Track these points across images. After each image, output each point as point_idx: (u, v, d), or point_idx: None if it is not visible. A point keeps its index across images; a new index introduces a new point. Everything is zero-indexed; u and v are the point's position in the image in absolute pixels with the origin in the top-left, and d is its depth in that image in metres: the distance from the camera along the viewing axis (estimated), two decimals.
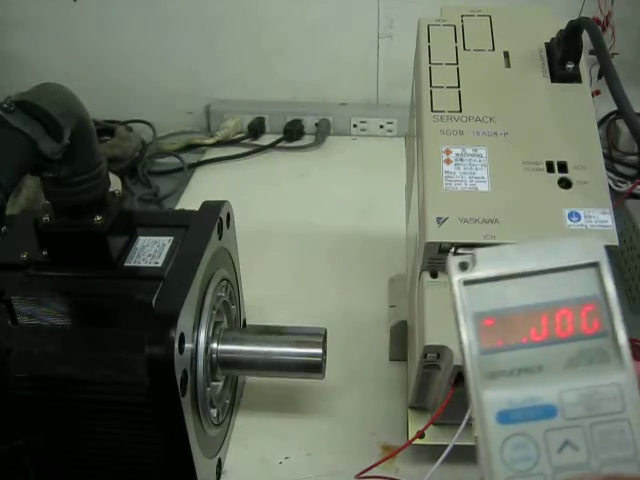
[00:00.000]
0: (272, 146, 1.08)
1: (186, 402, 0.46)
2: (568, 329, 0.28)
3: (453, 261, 0.29)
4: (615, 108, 0.43)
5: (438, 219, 0.44)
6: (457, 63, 0.51)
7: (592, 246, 0.29)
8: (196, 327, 0.49)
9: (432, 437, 0.52)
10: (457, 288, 0.29)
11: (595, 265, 0.29)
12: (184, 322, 0.45)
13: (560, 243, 0.29)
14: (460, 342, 0.28)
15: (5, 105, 0.41)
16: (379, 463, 0.53)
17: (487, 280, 0.29)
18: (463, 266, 0.29)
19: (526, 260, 0.29)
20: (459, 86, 0.50)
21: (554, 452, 0.27)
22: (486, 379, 0.28)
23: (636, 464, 0.27)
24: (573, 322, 0.28)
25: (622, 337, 0.28)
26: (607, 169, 0.47)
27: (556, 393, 0.28)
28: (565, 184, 0.45)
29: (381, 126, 1.11)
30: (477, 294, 0.29)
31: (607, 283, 0.29)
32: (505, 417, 0.28)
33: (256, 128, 1.11)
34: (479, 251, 0.29)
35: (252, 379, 0.65)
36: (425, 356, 0.46)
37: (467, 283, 0.29)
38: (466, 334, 0.28)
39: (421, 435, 0.52)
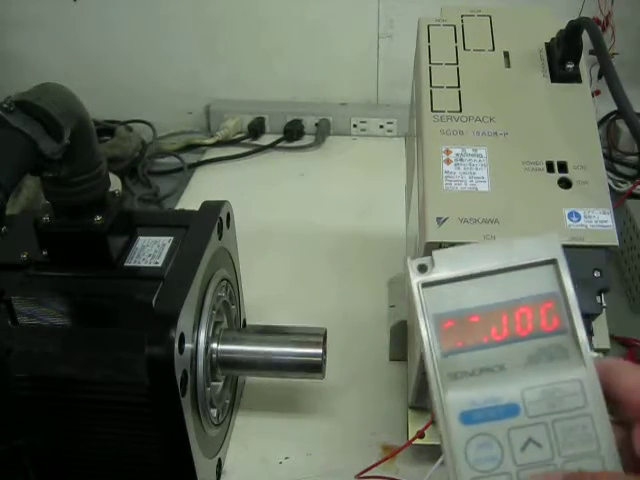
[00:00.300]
0: (272, 146, 1.08)
1: (186, 402, 0.46)
2: (528, 327, 0.28)
3: (412, 264, 0.29)
4: (615, 108, 0.43)
5: (438, 219, 0.44)
6: (457, 63, 0.51)
7: (550, 243, 0.29)
8: (196, 327, 0.49)
9: (432, 437, 0.52)
10: (416, 290, 0.29)
11: (553, 262, 0.29)
12: (184, 322, 0.45)
13: (518, 241, 0.29)
14: (421, 344, 0.28)
15: (5, 105, 0.41)
16: (379, 463, 0.53)
17: (446, 281, 0.29)
18: (422, 268, 0.29)
19: (484, 260, 0.29)
20: (459, 86, 0.50)
21: (518, 450, 0.27)
22: (448, 380, 0.28)
23: (599, 459, 0.27)
24: (533, 320, 0.29)
25: (581, 333, 0.28)
26: (607, 169, 0.47)
27: (518, 391, 0.28)
28: (565, 184, 0.45)
29: (381, 126, 1.11)
30: (436, 296, 0.29)
31: (565, 280, 0.29)
32: (468, 417, 0.28)
33: (256, 128, 1.11)
34: (437, 252, 0.29)
35: (252, 379, 0.65)
36: None
37: (426, 285, 0.29)
38: (426, 336, 0.28)
39: (421, 435, 0.52)
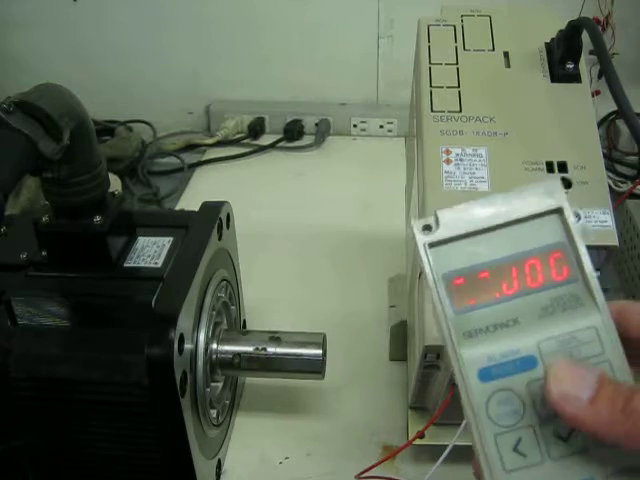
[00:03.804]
0: (272, 146, 1.08)
1: (185, 403, 0.46)
2: (538, 279, 0.28)
3: (417, 224, 0.29)
4: (615, 108, 0.43)
5: None
6: (457, 63, 0.51)
7: (553, 191, 0.29)
8: (196, 328, 0.49)
9: (432, 437, 0.52)
10: (423, 252, 0.28)
11: (558, 211, 0.28)
12: (184, 323, 0.45)
13: (519, 193, 0.29)
14: (433, 305, 0.28)
15: (5, 106, 0.41)
16: (379, 463, 0.53)
17: (452, 240, 0.28)
18: (427, 228, 0.29)
19: (488, 215, 0.28)
20: (459, 86, 0.50)
21: (539, 403, 0.27)
22: (463, 339, 0.28)
23: None
24: (543, 271, 0.28)
25: (593, 280, 0.28)
26: (607, 169, 0.47)
27: (534, 344, 0.28)
28: (565, 184, 0.45)
29: (381, 126, 1.11)
30: (443, 255, 0.28)
31: (572, 227, 0.28)
32: (486, 374, 0.27)
33: (256, 128, 1.11)
34: (441, 212, 0.29)
35: (252, 379, 0.65)
36: (425, 356, 0.46)
37: (432, 245, 0.28)
38: (438, 297, 0.28)
39: (421, 435, 0.52)
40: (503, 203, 0.29)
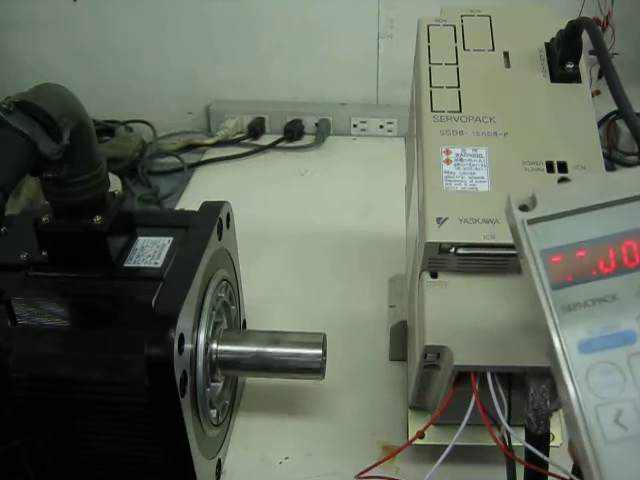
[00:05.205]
0: (272, 146, 1.08)
1: (185, 403, 0.46)
2: (635, 259, 0.29)
3: (514, 201, 0.30)
4: (615, 108, 0.43)
5: (438, 219, 0.44)
6: (457, 63, 0.51)
7: None
8: (196, 328, 0.49)
9: (432, 437, 0.52)
10: (521, 228, 0.29)
11: None
12: (184, 323, 0.45)
13: (618, 175, 0.30)
14: (531, 280, 0.29)
15: (5, 106, 0.41)
16: (379, 463, 0.53)
17: (550, 218, 0.29)
18: (524, 208, 0.30)
19: (586, 195, 0.29)
20: (459, 86, 0.50)
21: (639, 377, 0.28)
22: (562, 312, 0.29)
23: None
24: (639, 252, 0.29)
25: None
26: (607, 169, 0.47)
27: (634, 319, 0.28)
28: None
29: (381, 126, 1.11)
30: (541, 232, 0.29)
31: None
32: (587, 346, 0.28)
33: (256, 128, 1.11)
34: (538, 190, 0.30)
35: (252, 379, 0.65)
36: (425, 356, 0.46)
37: (531, 222, 0.29)
38: (537, 272, 0.29)
39: (421, 435, 0.52)
40: (601, 184, 0.30)
